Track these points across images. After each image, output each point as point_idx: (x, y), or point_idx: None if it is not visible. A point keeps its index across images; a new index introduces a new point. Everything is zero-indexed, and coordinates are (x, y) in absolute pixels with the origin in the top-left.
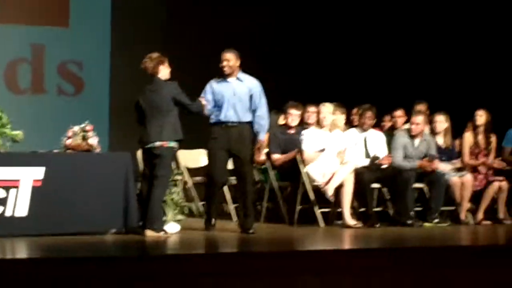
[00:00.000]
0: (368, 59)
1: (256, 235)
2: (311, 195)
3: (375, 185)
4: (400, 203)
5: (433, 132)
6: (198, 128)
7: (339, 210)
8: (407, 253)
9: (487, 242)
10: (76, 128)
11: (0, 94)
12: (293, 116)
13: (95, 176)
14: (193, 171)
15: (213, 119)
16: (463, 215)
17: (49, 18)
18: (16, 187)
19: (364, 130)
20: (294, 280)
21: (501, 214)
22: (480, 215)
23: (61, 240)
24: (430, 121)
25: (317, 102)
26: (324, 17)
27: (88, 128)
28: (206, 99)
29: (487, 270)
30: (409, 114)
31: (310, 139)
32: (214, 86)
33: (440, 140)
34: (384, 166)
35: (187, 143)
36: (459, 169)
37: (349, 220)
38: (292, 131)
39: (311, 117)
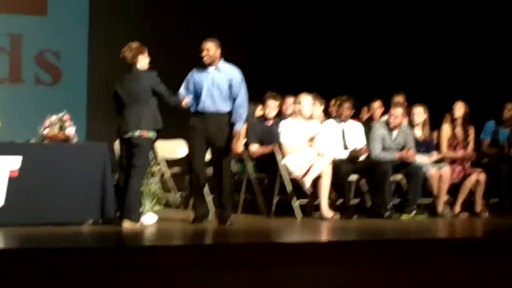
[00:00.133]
0: (346, 50)
1: (233, 226)
2: (289, 187)
3: (353, 177)
4: (377, 195)
5: (411, 124)
6: (177, 118)
7: (316, 202)
8: (384, 245)
9: (464, 234)
10: (54, 118)
11: None
12: (271, 107)
13: (72, 166)
14: (171, 162)
15: (192, 109)
16: (440, 208)
17: (27, 7)
18: None
19: (342, 121)
20: (271, 271)
21: (478, 206)
22: (457, 207)
23: (38, 230)
24: (408, 113)
25: (295, 93)
26: (302, 8)
27: (65, 117)
28: (185, 89)
29: (463, 262)
30: (387, 105)
31: (288, 131)
32: (194, 76)
33: (418, 132)
34: (362, 158)
35: (166, 133)
36: (437, 162)
37: (327, 212)
38: (270, 122)
39: (289, 108)
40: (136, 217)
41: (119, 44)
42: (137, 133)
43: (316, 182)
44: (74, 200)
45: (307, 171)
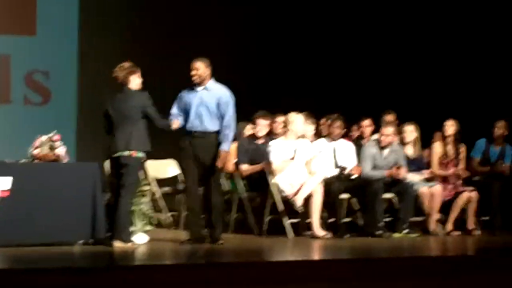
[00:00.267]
0: (335, 69)
1: (224, 245)
2: (280, 206)
3: (344, 196)
4: (369, 213)
5: (402, 142)
6: (167, 138)
7: (308, 220)
8: (376, 263)
9: (456, 252)
10: (44, 138)
11: None
12: (261, 126)
13: (62, 186)
14: (161, 182)
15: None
16: (432, 226)
17: (15, 27)
18: None
19: (333, 140)
20: None
21: (470, 224)
22: (449, 225)
23: (28, 251)
24: (399, 131)
25: (284, 112)
26: (292, 28)
27: (55, 138)
28: (177, 108)
29: (456, 280)
30: (376, 123)
31: (278, 150)
32: (184, 95)
33: (409, 150)
34: (353, 177)
35: (156, 153)
36: (428, 180)
37: (318, 230)
38: (260, 141)
39: (279, 127)
40: (126, 237)
41: (109, 64)
42: (126, 153)
43: (307, 200)
44: (65, 220)
45: (298, 189)
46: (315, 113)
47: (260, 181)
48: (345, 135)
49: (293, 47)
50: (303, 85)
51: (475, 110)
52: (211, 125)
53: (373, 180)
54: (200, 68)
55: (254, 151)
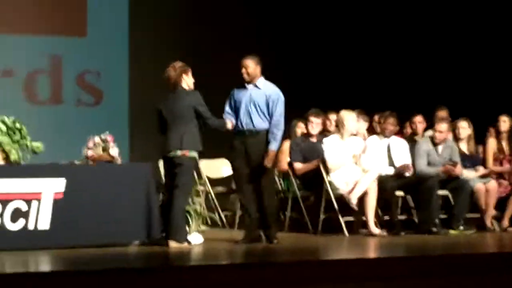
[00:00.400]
0: (387, 65)
1: (279, 245)
2: (335, 204)
3: (399, 193)
4: (424, 210)
5: (456, 139)
6: (220, 137)
7: (363, 218)
8: (432, 261)
9: None
10: (97, 139)
11: (19, 106)
12: (314, 123)
13: (116, 187)
14: (215, 181)
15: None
16: (488, 222)
17: (66, 28)
18: (38, 199)
19: (386, 137)
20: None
21: None
22: (505, 222)
23: (83, 252)
24: (452, 128)
25: (336, 109)
26: (342, 25)
27: (108, 138)
28: (229, 107)
29: None
30: (429, 120)
31: (332, 148)
32: (234, 94)
33: (464, 146)
34: (407, 174)
35: (209, 153)
36: (483, 176)
37: (374, 228)
38: (313, 139)
39: (331, 125)
40: (182, 237)
41: (160, 63)
42: (178, 152)
43: (362, 198)
44: (119, 221)
45: (353, 187)
46: (368, 110)
47: (314, 180)
48: (398, 132)
49: (345, 43)
50: (355, 81)
51: None
52: (261, 124)
53: (428, 177)
54: (250, 65)
55: (307, 150)
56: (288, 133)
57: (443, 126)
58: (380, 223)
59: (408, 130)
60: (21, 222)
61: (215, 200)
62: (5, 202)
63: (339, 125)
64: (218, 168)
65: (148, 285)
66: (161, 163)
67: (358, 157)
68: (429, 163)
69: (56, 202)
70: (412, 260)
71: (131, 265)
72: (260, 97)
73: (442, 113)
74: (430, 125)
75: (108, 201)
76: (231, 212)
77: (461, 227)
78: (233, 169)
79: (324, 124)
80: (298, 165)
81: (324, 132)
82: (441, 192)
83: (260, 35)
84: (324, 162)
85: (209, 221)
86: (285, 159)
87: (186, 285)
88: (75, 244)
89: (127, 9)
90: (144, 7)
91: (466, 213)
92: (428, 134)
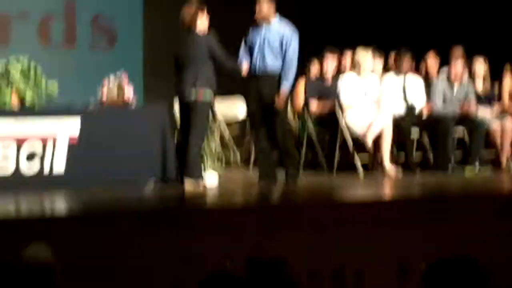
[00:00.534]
0: (399, 2)
1: (296, 186)
2: (350, 144)
3: (415, 132)
4: (440, 150)
5: (472, 77)
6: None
7: (378, 158)
8: (449, 201)
9: None
10: (112, 79)
11: (33, 48)
12: (330, 59)
13: (132, 129)
14: (230, 121)
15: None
16: (504, 161)
17: None
18: (53, 141)
19: (402, 74)
20: (335, 232)
21: None
22: None
23: (99, 194)
24: (468, 66)
25: (350, 46)
26: None
27: (123, 76)
28: (244, 50)
29: None
30: (445, 58)
31: (348, 87)
32: (249, 35)
33: (479, 84)
34: (423, 114)
35: (226, 92)
36: (499, 114)
37: (389, 168)
38: (329, 78)
39: (347, 63)
40: (197, 176)
41: (174, 4)
42: (193, 92)
43: (377, 138)
44: (135, 163)
45: (368, 127)
46: (382, 48)
47: (329, 119)
48: (414, 70)
49: None
50: (369, 19)
51: None
52: (274, 64)
53: (444, 117)
54: (263, 5)
55: (323, 89)
56: (303, 73)
57: (458, 64)
58: (395, 162)
59: (423, 69)
60: (36, 165)
61: (231, 140)
62: (20, 144)
63: (355, 64)
64: (234, 108)
65: (163, 228)
66: (176, 106)
67: (378, 100)
68: (444, 102)
69: (71, 144)
70: (427, 202)
71: (146, 207)
72: (274, 37)
73: (458, 51)
74: (445, 63)
75: (123, 143)
76: (246, 152)
77: (477, 166)
78: (248, 110)
79: (339, 65)
80: (313, 104)
81: (340, 71)
82: (457, 131)
83: None
84: (339, 101)
85: (224, 160)
86: (300, 98)
87: (200, 228)
88: (90, 186)
89: None
90: None
91: (482, 151)
92: (443, 73)
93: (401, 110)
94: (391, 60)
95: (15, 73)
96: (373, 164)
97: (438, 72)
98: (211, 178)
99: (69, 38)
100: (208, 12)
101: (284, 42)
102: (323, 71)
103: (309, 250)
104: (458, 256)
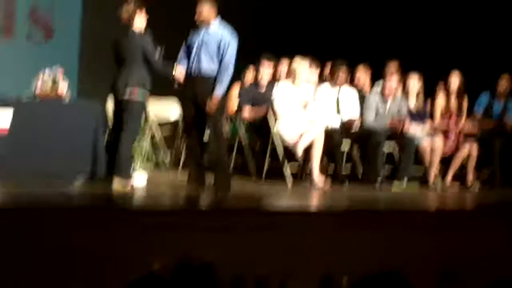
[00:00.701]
0: (339, 14)
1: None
2: (280, 153)
3: (345, 145)
4: (370, 164)
5: (405, 93)
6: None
7: (308, 169)
8: (375, 215)
9: (454, 206)
10: (47, 72)
11: None
12: (265, 68)
13: (64, 124)
14: (162, 122)
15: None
16: (431, 179)
17: None
18: None
19: (337, 85)
20: (261, 236)
21: (470, 179)
22: (448, 179)
23: (27, 189)
24: (403, 81)
25: (288, 55)
26: None
27: (58, 71)
28: (183, 52)
29: (452, 234)
30: (379, 73)
31: (282, 95)
32: (189, 38)
33: (412, 101)
34: (354, 129)
35: (159, 93)
36: (430, 132)
37: (318, 179)
38: (263, 85)
39: (283, 72)
40: (126, 175)
41: (113, 1)
42: (128, 91)
43: (308, 149)
44: (66, 158)
45: (300, 138)
46: (319, 57)
47: (261, 126)
48: (350, 82)
49: None
50: (307, 29)
51: (480, 63)
52: (210, 68)
53: (375, 131)
54: (203, 8)
55: (257, 96)
56: (239, 78)
57: (392, 79)
58: (325, 173)
59: (358, 81)
60: None
61: (162, 141)
62: None
63: (291, 72)
64: (167, 109)
65: (89, 225)
66: (109, 104)
67: (306, 105)
68: (377, 116)
69: (1, 135)
70: (353, 213)
71: (73, 204)
72: (212, 39)
73: (393, 66)
74: (380, 77)
75: (54, 138)
76: (176, 153)
77: (405, 182)
78: (182, 112)
79: (275, 72)
80: (246, 110)
81: (275, 79)
82: (387, 146)
83: None
84: (272, 109)
85: (154, 161)
86: (233, 103)
87: (127, 228)
88: (20, 179)
89: None
90: None
91: (411, 168)
92: (377, 87)
93: (333, 121)
94: (327, 70)
95: None
96: (302, 174)
97: (371, 85)
98: (139, 179)
99: (6, 28)
100: (147, 12)
101: (221, 46)
102: (258, 77)
103: (235, 255)
104: (384, 270)
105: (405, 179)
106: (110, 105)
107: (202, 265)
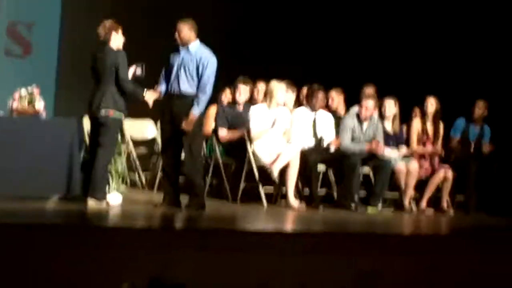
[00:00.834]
0: (318, 39)
1: (197, 211)
2: (256, 174)
3: (321, 167)
4: (345, 186)
5: (382, 116)
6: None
7: (283, 190)
8: (348, 237)
9: (429, 231)
10: (23, 91)
11: None
12: (242, 90)
13: (40, 141)
14: (138, 142)
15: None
16: (406, 203)
17: None
18: None
19: (314, 110)
20: (236, 257)
21: (444, 203)
22: (423, 203)
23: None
24: (379, 105)
25: (265, 79)
26: None
27: (35, 91)
28: (165, 72)
29: (427, 259)
30: (357, 96)
31: (258, 117)
32: (170, 58)
33: (388, 125)
34: (331, 149)
35: (135, 113)
36: (405, 156)
37: (293, 201)
38: (239, 108)
39: (260, 94)
40: (101, 196)
41: (92, 18)
42: (103, 112)
43: (284, 170)
44: (40, 176)
45: (275, 159)
46: (296, 81)
47: (237, 148)
48: (326, 106)
49: (278, 14)
50: (287, 53)
51: (455, 88)
52: (188, 88)
53: (351, 153)
54: (183, 30)
55: (234, 117)
56: (216, 99)
57: (369, 103)
58: (300, 196)
59: (332, 104)
60: None
61: (137, 161)
62: None
63: (267, 95)
64: (143, 129)
65: (63, 243)
66: (85, 121)
67: (287, 132)
68: (353, 139)
69: None
70: (327, 235)
71: (48, 221)
72: (191, 61)
73: (369, 90)
74: (358, 101)
75: (30, 155)
76: (152, 174)
77: (380, 206)
78: (160, 131)
79: (251, 93)
80: (222, 132)
81: (251, 102)
82: (363, 169)
83: None
84: (248, 131)
85: (129, 182)
86: (209, 124)
87: (100, 246)
88: None
89: None
90: None
91: (386, 192)
92: (354, 110)
93: (309, 144)
94: (303, 94)
95: None
96: (277, 196)
97: (346, 109)
98: (114, 199)
99: None
100: (124, 33)
101: (201, 65)
102: (234, 99)
103: (209, 276)
104: None
105: (380, 202)
106: (87, 122)
107: (175, 285)
